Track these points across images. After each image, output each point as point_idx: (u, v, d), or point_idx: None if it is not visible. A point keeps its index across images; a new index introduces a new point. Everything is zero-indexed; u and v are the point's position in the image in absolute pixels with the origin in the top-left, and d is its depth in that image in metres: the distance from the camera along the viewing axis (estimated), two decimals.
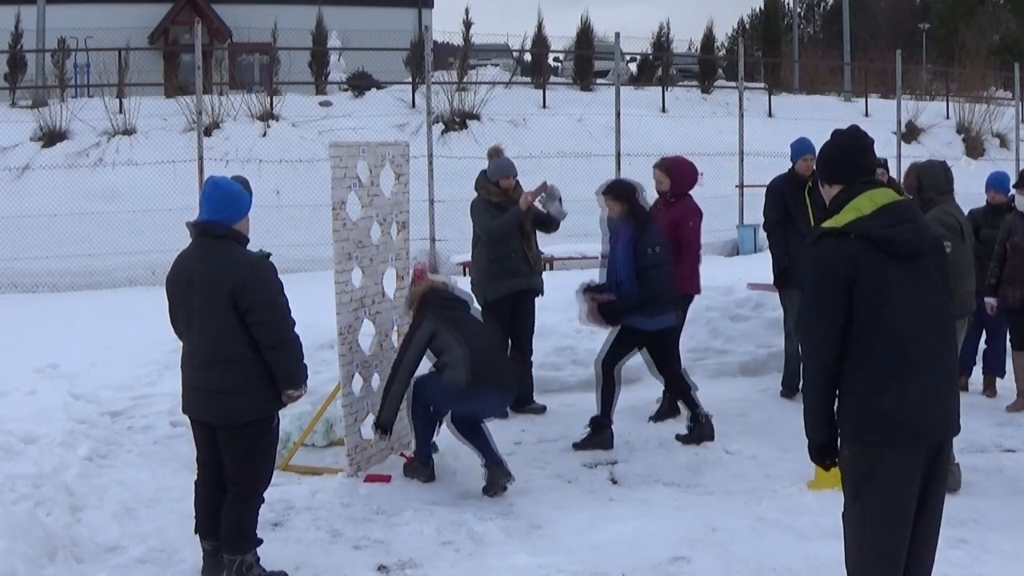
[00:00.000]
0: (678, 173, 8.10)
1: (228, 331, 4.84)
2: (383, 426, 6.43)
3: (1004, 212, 8.40)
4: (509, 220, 8.02)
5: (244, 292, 4.80)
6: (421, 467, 6.61)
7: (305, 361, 8.15)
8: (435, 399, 6.42)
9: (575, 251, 14.96)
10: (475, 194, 8.29)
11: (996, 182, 8.72)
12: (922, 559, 4.11)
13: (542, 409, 8.23)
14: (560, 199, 8.26)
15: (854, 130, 4.22)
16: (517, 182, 8.30)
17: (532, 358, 8.44)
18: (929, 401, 3.94)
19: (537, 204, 8.13)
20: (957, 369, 4.12)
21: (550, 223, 8.30)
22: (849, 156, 4.09)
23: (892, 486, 3.97)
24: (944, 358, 4.00)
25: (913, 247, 3.95)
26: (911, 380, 3.91)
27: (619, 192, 7.48)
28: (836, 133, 4.18)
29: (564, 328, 9.41)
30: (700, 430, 7.35)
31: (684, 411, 7.57)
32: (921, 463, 3.99)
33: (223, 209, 4.93)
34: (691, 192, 8.10)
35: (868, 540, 4.03)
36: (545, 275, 8.68)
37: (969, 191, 8.22)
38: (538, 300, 8.51)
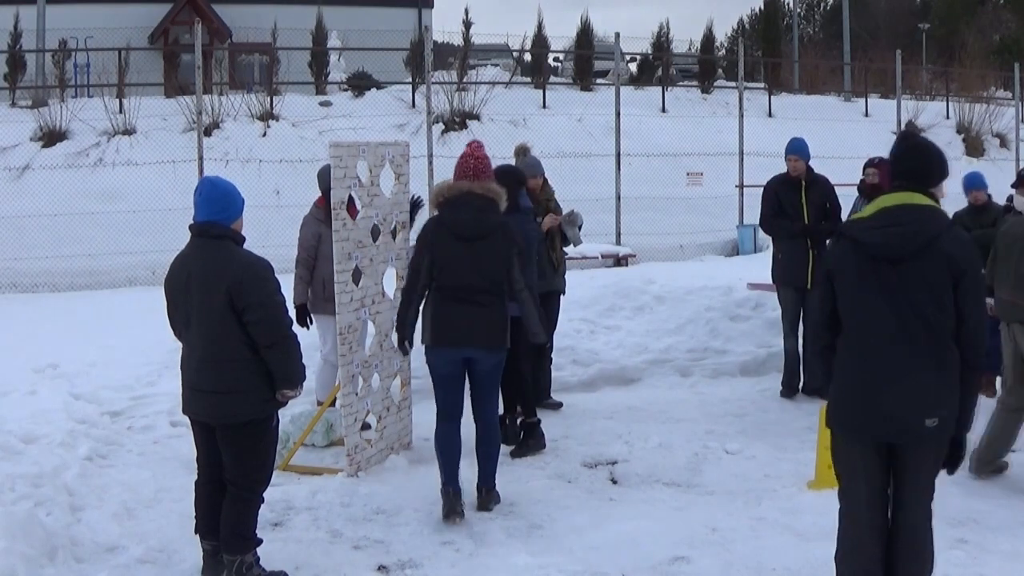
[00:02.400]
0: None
1: (225, 331, 4.84)
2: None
3: (987, 211, 8.41)
4: None
5: (241, 292, 4.80)
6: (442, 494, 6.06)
7: (303, 360, 8.10)
8: None
9: (575, 251, 14.96)
10: None
11: (974, 182, 8.71)
12: (903, 563, 4.11)
13: (558, 405, 8.24)
14: (580, 226, 8.27)
15: (900, 134, 4.36)
16: (545, 180, 8.24)
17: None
18: (870, 401, 4.02)
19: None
20: (927, 375, 3.99)
21: (564, 241, 8.33)
22: (891, 161, 4.24)
23: (846, 476, 4.19)
24: (907, 363, 3.98)
25: (886, 250, 4.00)
26: (859, 377, 4.06)
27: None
28: None
29: (564, 328, 9.41)
30: (530, 441, 7.13)
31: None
32: (874, 461, 4.09)
33: (220, 209, 4.93)
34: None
35: (840, 525, 4.26)
36: None
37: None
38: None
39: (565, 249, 8.44)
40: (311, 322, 7.52)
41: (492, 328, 5.82)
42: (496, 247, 5.80)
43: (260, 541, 5.08)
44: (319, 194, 7.55)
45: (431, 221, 5.97)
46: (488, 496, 6.10)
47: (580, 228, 8.31)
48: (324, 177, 7.31)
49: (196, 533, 5.13)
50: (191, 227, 5.00)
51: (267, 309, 4.85)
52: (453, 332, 5.79)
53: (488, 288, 5.81)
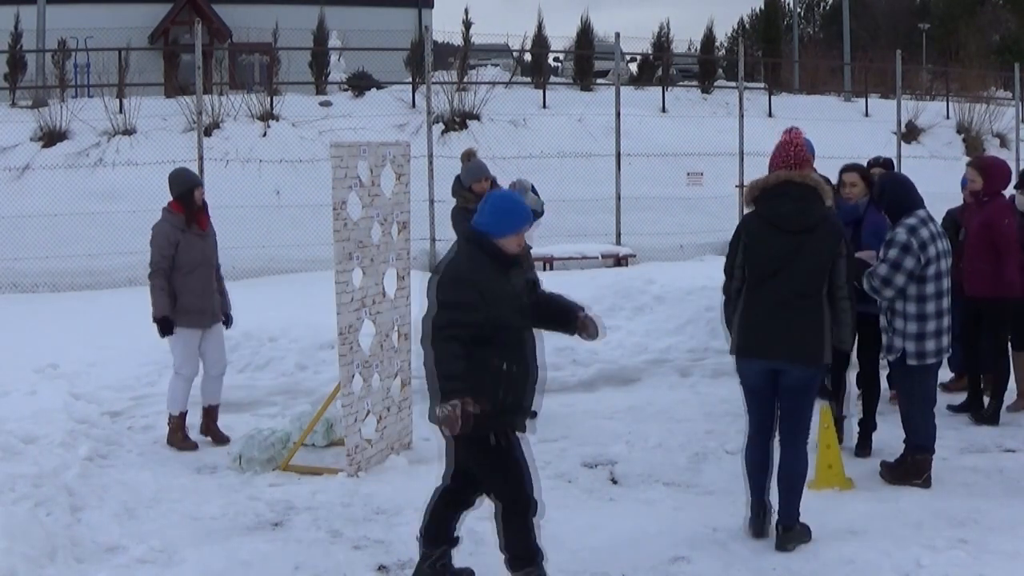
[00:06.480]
0: (992, 172, 7.82)
1: None
2: None
3: None
4: None
5: None
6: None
7: (303, 360, 8.20)
8: None
9: (575, 251, 14.98)
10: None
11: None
12: None
13: (533, 415, 8.11)
14: (533, 188, 8.10)
15: None
16: (493, 181, 8.12)
17: None
18: None
19: None
20: None
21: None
22: None
23: None
24: None
25: None
26: None
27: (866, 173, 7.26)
28: None
29: None
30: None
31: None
32: None
33: None
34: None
35: None
36: (546, 275, 8.65)
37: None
38: None
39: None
40: (171, 332, 7.34)
41: (807, 337, 5.34)
42: (820, 242, 5.36)
43: (453, 542, 4.98)
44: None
45: (748, 215, 5.58)
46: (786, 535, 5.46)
47: (535, 190, 8.07)
48: (176, 182, 7.41)
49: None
50: None
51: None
52: (764, 340, 5.39)
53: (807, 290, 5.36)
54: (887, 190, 6.51)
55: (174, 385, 7.39)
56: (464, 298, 4.52)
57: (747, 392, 5.61)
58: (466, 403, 4.43)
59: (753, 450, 5.62)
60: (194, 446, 7.32)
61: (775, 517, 5.50)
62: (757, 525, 5.56)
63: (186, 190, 7.34)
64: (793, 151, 5.57)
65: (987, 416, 7.78)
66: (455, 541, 5.01)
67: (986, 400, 7.92)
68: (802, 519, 5.55)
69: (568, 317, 4.94)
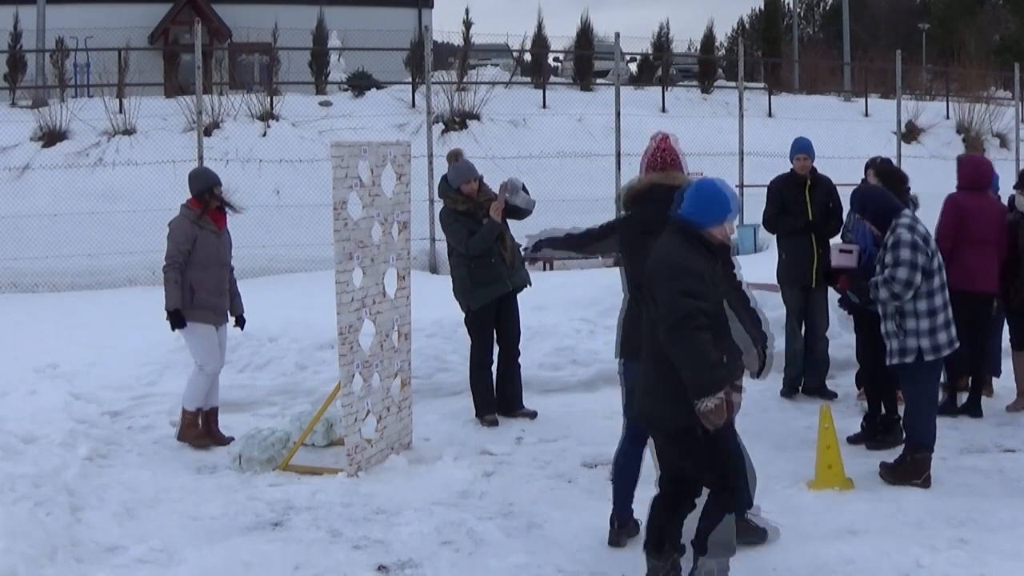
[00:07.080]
0: (961, 169, 7.98)
1: None
2: None
3: None
4: (488, 235, 7.78)
5: None
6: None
7: (303, 360, 8.22)
8: None
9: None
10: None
11: None
12: None
13: (533, 414, 8.11)
14: (524, 187, 8.01)
15: None
16: (480, 180, 8.04)
17: (522, 359, 8.14)
18: None
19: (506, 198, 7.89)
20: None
21: (520, 212, 8.01)
22: None
23: None
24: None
25: None
26: None
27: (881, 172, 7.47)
28: None
29: (564, 328, 9.41)
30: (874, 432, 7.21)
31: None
32: None
33: None
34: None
35: None
36: (546, 275, 8.64)
37: None
38: (538, 300, 8.41)
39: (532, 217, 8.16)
40: (184, 325, 7.32)
41: None
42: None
43: (680, 549, 4.90)
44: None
45: (620, 219, 5.55)
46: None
47: (526, 189, 8.00)
48: (196, 180, 7.57)
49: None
50: None
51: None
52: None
53: None
54: (867, 201, 6.52)
55: (196, 382, 7.36)
56: (695, 286, 4.45)
57: (628, 393, 5.35)
58: (728, 392, 4.41)
59: (625, 459, 5.50)
60: (207, 444, 7.31)
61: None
62: (613, 537, 5.49)
63: (205, 188, 7.45)
64: (661, 155, 5.33)
65: (967, 408, 7.86)
66: (682, 549, 4.88)
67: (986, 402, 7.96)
68: (800, 520, 5.56)
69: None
